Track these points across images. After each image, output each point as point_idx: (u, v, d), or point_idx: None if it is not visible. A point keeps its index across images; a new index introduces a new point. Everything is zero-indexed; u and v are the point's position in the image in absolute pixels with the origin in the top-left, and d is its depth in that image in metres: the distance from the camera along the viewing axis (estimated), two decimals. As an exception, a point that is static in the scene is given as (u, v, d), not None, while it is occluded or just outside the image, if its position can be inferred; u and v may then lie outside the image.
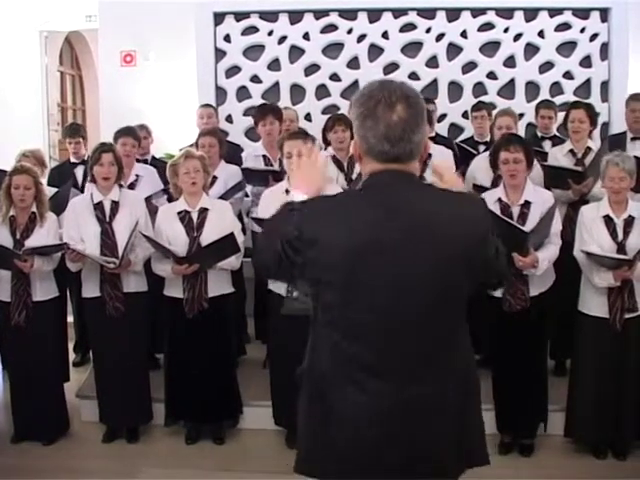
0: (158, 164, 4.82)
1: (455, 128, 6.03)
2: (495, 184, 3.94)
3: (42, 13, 7.13)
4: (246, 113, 6.06)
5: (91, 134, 6.05)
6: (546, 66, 6.03)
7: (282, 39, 6.13)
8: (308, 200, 1.83)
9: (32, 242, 3.73)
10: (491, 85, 6.04)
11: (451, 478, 1.86)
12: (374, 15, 6.06)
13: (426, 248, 1.71)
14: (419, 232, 1.71)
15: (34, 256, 3.71)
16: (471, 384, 1.87)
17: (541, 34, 6.00)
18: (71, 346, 4.94)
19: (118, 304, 3.78)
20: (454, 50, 6.06)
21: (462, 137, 5.73)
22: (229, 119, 6.19)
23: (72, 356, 4.93)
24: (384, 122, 1.70)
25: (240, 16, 6.16)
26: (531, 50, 6.03)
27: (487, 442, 1.93)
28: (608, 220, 3.54)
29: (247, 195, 4.74)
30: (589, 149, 4.35)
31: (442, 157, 3.87)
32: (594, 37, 5.99)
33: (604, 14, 5.97)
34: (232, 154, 4.83)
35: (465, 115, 5.80)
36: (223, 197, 4.21)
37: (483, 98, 5.83)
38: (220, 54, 6.20)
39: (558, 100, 5.61)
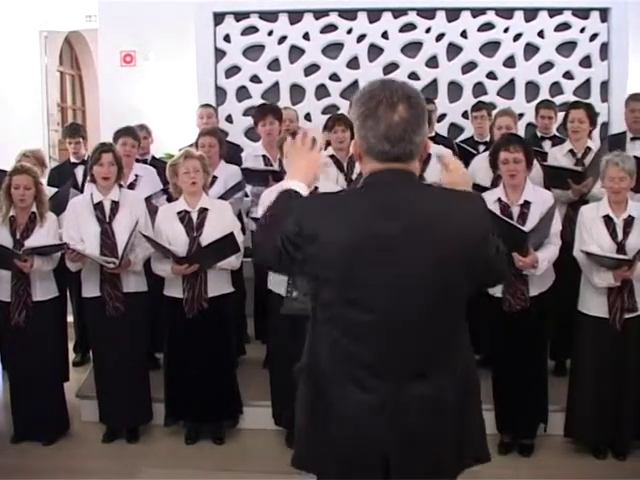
0: (158, 164, 4.82)
1: (455, 128, 6.03)
2: (495, 184, 3.95)
3: (42, 13, 7.13)
4: (246, 113, 6.06)
5: (91, 134, 6.05)
6: (546, 66, 6.03)
7: (282, 39, 6.13)
8: (308, 196, 1.83)
9: (32, 242, 3.73)
10: (491, 85, 6.04)
11: (450, 478, 1.86)
12: (374, 15, 6.05)
13: (426, 248, 1.71)
14: (419, 232, 1.71)
15: (34, 256, 3.71)
16: (471, 384, 1.87)
17: (541, 34, 6.00)
18: (71, 346, 4.94)
19: (118, 304, 3.78)
20: (454, 50, 6.06)
21: (462, 137, 5.74)
22: (229, 119, 6.18)
23: (72, 356, 4.93)
24: (385, 122, 1.70)
25: (240, 16, 6.16)
26: (531, 50, 6.03)
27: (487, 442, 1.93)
28: (608, 220, 3.54)
29: (247, 195, 4.73)
30: (589, 149, 4.35)
31: (442, 157, 3.87)
32: (594, 37, 5.99)
33: (604, 14, 5.97)
34: (232, 154, 4.83)
35: (465, 115, 5.80)
36: (223, 197, 4.21)
37: (483, 98, 5.83)
38: (220, 54, 6.20)
39: (558, 100, 5.61)
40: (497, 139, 4.10)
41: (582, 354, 3.65)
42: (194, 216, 3.79)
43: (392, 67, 6.06)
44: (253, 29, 6.17)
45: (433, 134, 4.78)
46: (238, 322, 4.56)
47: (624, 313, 3.51)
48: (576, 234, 3.63)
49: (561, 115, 4.72)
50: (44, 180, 4.37)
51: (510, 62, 6.05)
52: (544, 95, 5.87)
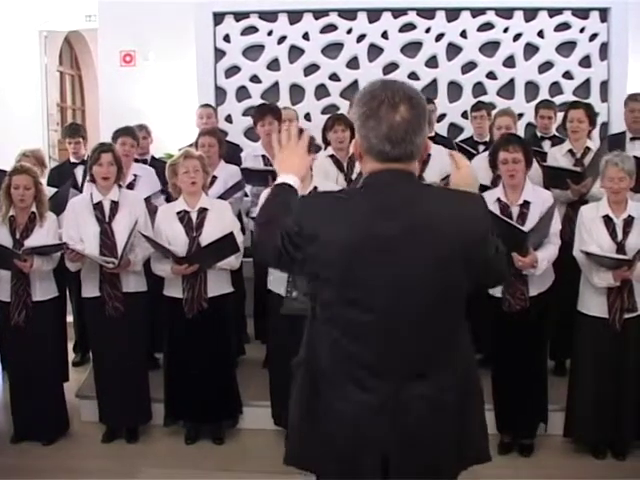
0: (157, 164, 4.82)
1: (454, 128, 6.03)
2: (494, 184, 3.95)
3: (42, 13, 7.13)
4: (245, 113, 6.06)
5: (91, 134, 6.04)
6: (545, 66, 6.03)
7: (282, 39, 6.13)
8: (308, 196, 1.83)
9: (32, 242, 3.73)
10: (490, 85, 6.05)
11: (450, 478, 1.86)
12: (374, 15, 6.06)
13: (426, 248, 1.71)
14: (419, 232, 1.71)
15: (34, 256, 3.71)
16: (471, 384, 1.87)
17: (541, 34, 6.00)
18: (71, 346, 4.94)
19: (117, 304, 3.78)
20: (454, 50, 6.06)
21: (461, 137, 5.74)
22: (228, 119, 6.19)
23: (72, 356, 4.93)
24: (387, 123, 1.70)
25: (240, 16, 6.16)
26: (531, 50, 6.03)
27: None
28: (607, 220, 3.54)
29: (246, 195, 4.73)
30: (588, 149, 4.35)
31: (442, 157, 3.87)
32: (593, 37, 5.99)
33: (604, 14, 5.97)
34: (231, 154, 4.83)
35: (464, 115, 5.81)
36: (222, 197, 4.21)
37: (483, 98, 5.84)
38: (220, 54, 6.21)
39: (558, 100, 5.61)
40: (496, 139, 4.10)
41: (582, 354, 3.65)
42: (194, 216, 3.78)
43: (392, 67, 6.07)
44: (253, 29, 6.17)
45: (433, 134, 4.78)
46: (238, 322, 4.56)
47: (624, 313, 3.51)
48: (576, 234, 3.63)
49: (561, 115, 4.72)
50: (44, 180, 4.37)
51: (510, 62, 6.05)
52: (544, 95, 5.87)
